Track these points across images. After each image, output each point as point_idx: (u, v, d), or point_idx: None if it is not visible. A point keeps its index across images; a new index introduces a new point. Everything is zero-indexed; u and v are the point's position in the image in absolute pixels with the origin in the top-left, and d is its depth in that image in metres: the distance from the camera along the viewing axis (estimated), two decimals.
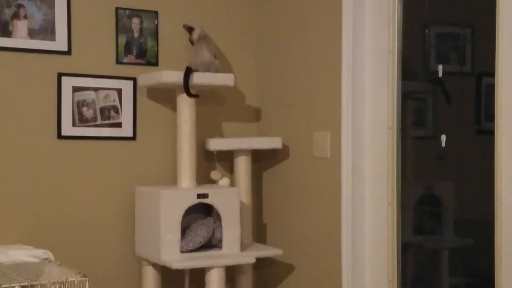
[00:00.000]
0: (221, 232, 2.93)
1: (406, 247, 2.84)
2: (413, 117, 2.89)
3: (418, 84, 2.86)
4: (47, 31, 2.93)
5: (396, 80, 2.78)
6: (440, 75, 2.65)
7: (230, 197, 2.94)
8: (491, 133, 2.32)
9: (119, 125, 3.09)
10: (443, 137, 2.61)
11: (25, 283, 2.25)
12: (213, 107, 3.30)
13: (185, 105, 2.94)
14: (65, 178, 3.00)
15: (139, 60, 3.12)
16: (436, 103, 2.85)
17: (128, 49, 3.10)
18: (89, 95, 3.02)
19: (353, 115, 2.81)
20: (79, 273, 2.40)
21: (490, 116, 2.35)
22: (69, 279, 2.34)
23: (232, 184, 3.22)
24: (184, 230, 2.90)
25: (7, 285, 2.20)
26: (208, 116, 3.27)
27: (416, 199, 2.87)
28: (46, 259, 2.63)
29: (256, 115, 3.42)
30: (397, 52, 2.78)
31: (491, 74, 2.33)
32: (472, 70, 2.75)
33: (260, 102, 3.41)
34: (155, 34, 3.16)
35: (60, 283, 2.33)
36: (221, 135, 3.32)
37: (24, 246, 2.75)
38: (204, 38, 3.05)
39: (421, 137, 2.88)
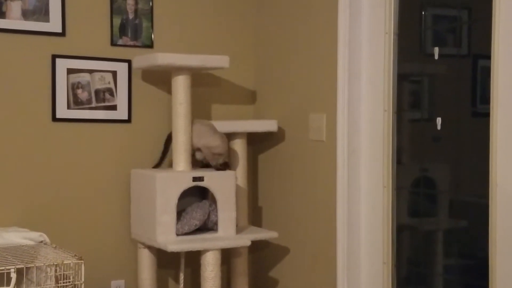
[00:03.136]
0: (216, 215, 2.93)
1: (401, 229, 2.85)
2: (409, 99, 2.89)
3: (414, 66, 2.86)
4: (41, 12, 2.90)
5: (392, 62, 2.77)
6: (436, 57, 2.65)
7: (225, 180, 2.93)
8: (486, 115, 2.32)
9: (114, 107, 3.07)
10: (439, 120, 2.60)
11: (21, 266, 2.25)
12: (209, 89, 3.29)
13: (180, 87, 2.93)
14: (60, 161, 2.99)
15: (134, 42, 3.11)
16: (432, 85, 2.85)
17: (123, 30, 3.08)
18: (84, 77, 3.00)
19: (349, 98, 2.80)
20: (75, 255, 2.39)
21: (486, 98, 2.35)
22: (64, 262, 2.34)
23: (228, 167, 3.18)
24: (180, 213, 2.89)
25: (2, 268, 2.20)
26: (204, 98, 3.27)
27: (411, 182, 2.86)
28: (42, 241, 2.62)
29: (251, 97, 3.41)
30: (394, 34, 2.77)
31: (487, 56, 2.31)
32: (468, 52, 2.73)
33: (255, 84, 3.40)
34: (150, 16, 3.13)
35: (56, 266, 2.33)
36: (216, 117, 3.30)
37: (20, 229, 2.75)
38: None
39: (417, 119, 2.88)
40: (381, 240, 2.82)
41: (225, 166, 2.99)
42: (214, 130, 3.00)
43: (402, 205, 2.84)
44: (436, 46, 2.66)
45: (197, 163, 3.06)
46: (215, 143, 2.96)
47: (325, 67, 2.91)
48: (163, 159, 3.09)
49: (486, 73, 2.33)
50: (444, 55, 2.67)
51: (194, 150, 3.00)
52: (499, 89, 2.27)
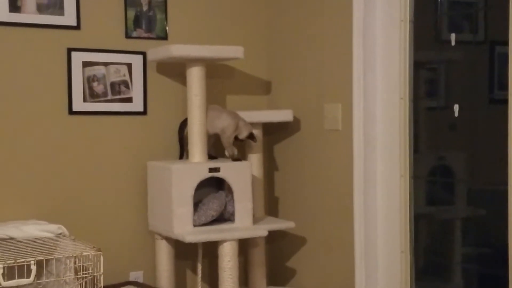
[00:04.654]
0: (233, 206, 2.92)
1: (419, 218, 2.83)
2: (425, 87, 2.86)
3: (430, 53, 2.83)
4: (56, 5, 2.90)
5: (408, 50, 2.74)
6: (453, 43, 2.61)
7: (241, 170, 2.92)
8: (504, 102, 2.28)
9: (129, 100, 3.08)
10: (456, 107, 2.58)
11: (40, 258, 2.27)
12: (223, 80, 3.28)
13: (195, 78, 2.92)
14: (77, 154, 2.99)
15: (148, 34, 3.10)
16: (449, 72, 2.82)
17: (137, 23, 3.08)
18: (99, 70, 3.01)
19: (364, 86, 2.77)
20: (93, 247, 2.39)
21: (504, 84, 2.31)
22: (83, 253, 2.35)
23: (244, 157, 3.17)
24: (196, 204, 2.89)
25: (22, 260, 2.21)
26: (218, 89, 3.26)
27: (428, 170, 2.86)
28: (60, 234, 2.64)
29: (266, 87, 3.40)
30: (409, 21, 2.74)
31: (505, 42, 2.28)
32: (485, 38, 2.71)
33: (270, 74, 3.38)
34: (164, 7, 3.12)
35: (75, 257, 2.34)
36: (231, 108, 3.23)
37: (38, 221, 2.76)
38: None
39: (434, 107, 2.86)
40: (399, 229, 2.80)
41: (252, 137, 2.97)
42: (220, 111, 2.99)
43: (419, 194, 2.82)
44: (452, 32, 2.64)
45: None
46: (225, 123, 2.95)
47: (340, 56, 2.88)
48: (183, 148, 3.07)
49: (504, 59, 2.30)
50: (461, 42, 2.65)
51: (210, 138, 3.01)
52: None
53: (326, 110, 2.98)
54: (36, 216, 2.87)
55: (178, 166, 2.84)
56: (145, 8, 3.09)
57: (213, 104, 3.08)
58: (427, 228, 2.95)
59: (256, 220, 3.03)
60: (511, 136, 2.27)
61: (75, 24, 2.95)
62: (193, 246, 3.02)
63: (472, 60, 2.69)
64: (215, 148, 3.11)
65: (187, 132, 3.01)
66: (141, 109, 3.11)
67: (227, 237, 2.80)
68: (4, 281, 2.18)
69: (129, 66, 3.07)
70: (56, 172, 2.96)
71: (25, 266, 2.21)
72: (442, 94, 2.84)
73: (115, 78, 3.04)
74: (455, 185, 2.82)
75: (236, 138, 2.98)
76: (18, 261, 2.20)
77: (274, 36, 3.34)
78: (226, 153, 3.05)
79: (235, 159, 2.99)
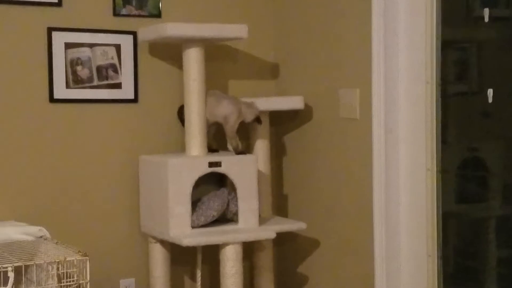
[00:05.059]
0: (236, 205, 2.86)
1: (448, 217, 2.77)
2: (454, 69, 2.78)
3: (460, 31, 2.77)
4: None
5: (435, 27, 2.67)
6: (486, 20, 2.51)
7: (246, 165, 2.86)
8: None
9: (118, 86, 3.02)
10: (490, 92, 2.49)
11: (19, 264, 2.21)
12: (225, 63, 3.23)
13: (193, 61, 2.86)
14: (60, 147, 2.93)
15: (139, 11, 3.04)
16: (482, 53, 2.74)
17: None
18: (84, 53, 2.95)
19: (385, 69, 2.70)
20: (79, 252, 2.34)
21: None
22: (67, 259, 2.30)
23: (249, 150, 3.11)
24: (195, 203, 2.84)
25: None
26: (219, 73, 3.20)
27: (458, 163, 2.80)
28: (42, 236, 2.59)
29: (273, 71, 3.34)
30: None
31: None
32: None
33: (278, 56, 3.32)
34: None
35: (58, 263, 2.29)
36: (234, 94, 3.14)
37: (17, 223, 2.71)
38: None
39: (464, 92, 2.80)
40: (425, 230, 2.73)
41: (258, 120, 2.95)
42: (220, 97, 2.95)
43: (449, 190, 2.74)
44: (486, 7, 2.53)
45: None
46: (227, 111, 2.90)
47: (357, 34, 2.82)
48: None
49: None
50: (495, 18, 2.54)
51: (210, 127, 2.95)
52: None
53: (341, 96, 2.92)
54: (14, 217, 2.82)
55: (174, 161, 2.78)
56: None
57: (213, 89, 3.02)
58: (457, 228, 2.89)
59: (262, 220, 2.99)
60: None
61: (56, 0, 2.87)
62: (191, 250, 2.97)
63: (508, 38, 2.56)
64: (216, 140, 3.04)
65: None
66: (131, 96, 3.05)
67: (229, 240, 2.75)
68: None
69: (117, 47, 3.00)
70: (37, 168, 2.89)
71: (2, 273, 2.16)
72: (474, 77, 2.77)
73: (101, 61, 2.98)
74: (488, 180, 2.72)
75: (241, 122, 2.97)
76: None
77: (282, 12, 3.28)
78: (229, 145, 2.98)
79: (239, 152, 2.93)
